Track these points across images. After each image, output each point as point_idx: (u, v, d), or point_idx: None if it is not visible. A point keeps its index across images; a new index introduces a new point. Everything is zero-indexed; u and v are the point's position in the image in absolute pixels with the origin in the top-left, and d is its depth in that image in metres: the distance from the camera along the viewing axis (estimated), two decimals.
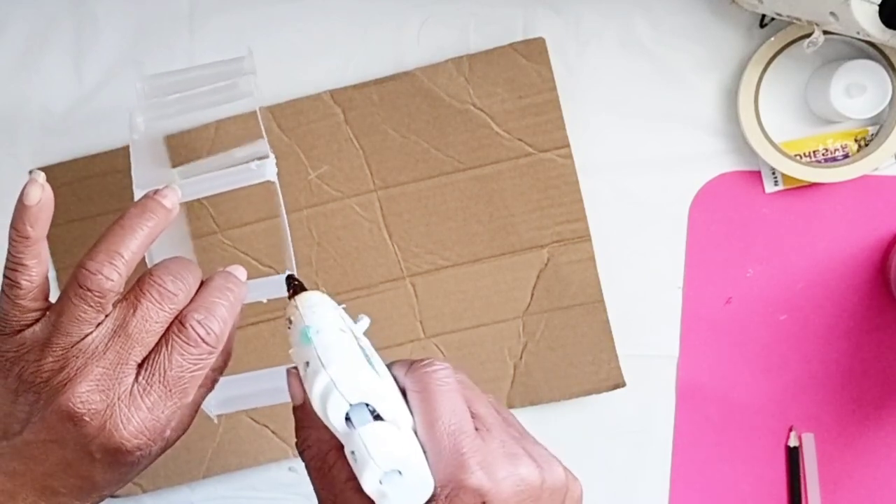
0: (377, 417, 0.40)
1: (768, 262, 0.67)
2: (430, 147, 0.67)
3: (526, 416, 0.67)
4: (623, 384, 0.66)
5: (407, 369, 0.43)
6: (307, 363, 0.41)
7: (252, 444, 0.67)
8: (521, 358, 0.67)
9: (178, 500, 0.69)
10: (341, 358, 0.41)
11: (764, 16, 0.64)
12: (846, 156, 0.65)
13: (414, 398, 0.42)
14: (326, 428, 0.41)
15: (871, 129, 0.65)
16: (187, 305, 0.45)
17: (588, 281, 0.66)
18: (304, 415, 0.44)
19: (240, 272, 0.49)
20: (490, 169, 0.67)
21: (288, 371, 0.45)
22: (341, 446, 0.41)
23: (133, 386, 0.44)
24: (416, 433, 0.41)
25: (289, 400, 0.46)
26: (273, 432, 0.67)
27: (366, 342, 0.44)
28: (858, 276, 0.66)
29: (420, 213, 0.67)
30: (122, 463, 0.45)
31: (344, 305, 0.45)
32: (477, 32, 0.67)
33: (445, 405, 0.41)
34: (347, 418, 0.40)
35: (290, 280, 0.47)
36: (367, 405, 0.40)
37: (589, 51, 0.66)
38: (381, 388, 0.41)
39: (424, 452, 0.40)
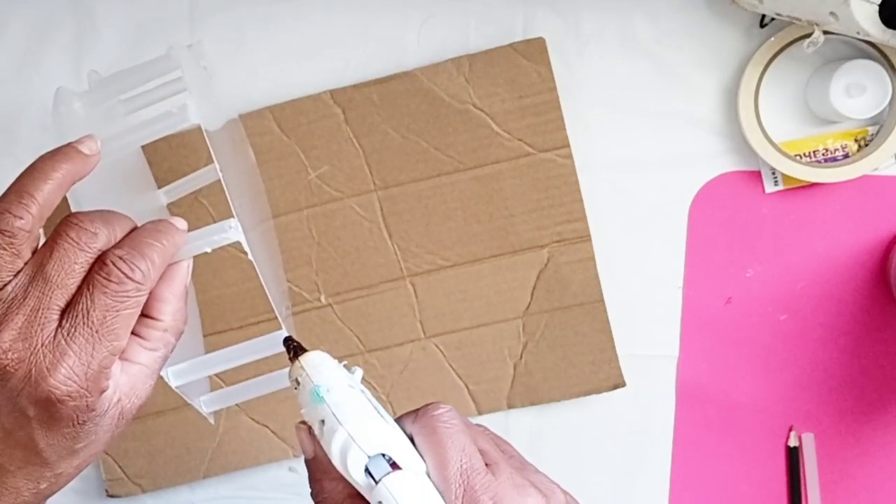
0: (394, 466, 0.41)
1: (768, 262, 0.67)
2: (430, 147, 0.67)
3: (526, 416, 0.68)
4: (623, 384, 0.67)
5: (413, 418, 0.43)
6: (322, 421, 0.42)
7: (252, 444, 0.68)
8: (521, 358, 0.67)
9: (178, 500, 0.69)
10: (355, 413, 0.42)
11: (764, 16, 0.64)
12: (846, 156, 0.66)
13: (423, 442, 0.42)
14: (339, 478, 0.42)
15: (871, 129, 0.65)
16: (111, 247, 0.44)
17: (588, 281, 0.67)
18: (316, 466, 0.43)
19: (178, 221, 0.47)
20: (490, 169, 0.67)
21: (297, 427, 0.44)
22: (356, 494, 0.42)
23: (57, 331, 0.42)
24: (429, 476, 0.42)
25: (279, 388, 0.46)
26: (273, 432, 0.67)
27: (367, 394, 0.45)
28: (858, 275, 0.66)
29: (420, 213, 0.67)
30: (58, 419, 0.42)
31: (345, 362, 0.46)
32: (477, 32, 0.67)
33: (454, 445, 0.41)
34: (366, 471, 0.41)
35: (289, 342, 0.47)
36: (384, 455, 0.41)
37: (589, 51, 0.66)
38: (395, 437, 0.42)
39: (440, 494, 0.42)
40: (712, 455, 0.68)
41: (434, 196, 0.67)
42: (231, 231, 0.47)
